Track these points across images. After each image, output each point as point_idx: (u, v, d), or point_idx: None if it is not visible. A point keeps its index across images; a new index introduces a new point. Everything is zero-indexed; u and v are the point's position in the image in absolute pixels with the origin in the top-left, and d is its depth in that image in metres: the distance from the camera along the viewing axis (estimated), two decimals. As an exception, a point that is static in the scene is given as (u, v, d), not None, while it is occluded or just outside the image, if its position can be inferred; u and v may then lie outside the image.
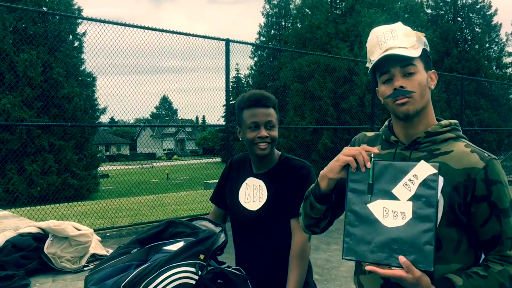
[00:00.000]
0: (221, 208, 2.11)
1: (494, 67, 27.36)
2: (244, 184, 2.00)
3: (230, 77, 8.70)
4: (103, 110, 21.57)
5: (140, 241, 1.65)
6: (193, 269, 1.44)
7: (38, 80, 17.15)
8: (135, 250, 1.60)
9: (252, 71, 33.84)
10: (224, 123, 9.49)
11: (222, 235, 1.62)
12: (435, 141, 1.40)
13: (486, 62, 26.58)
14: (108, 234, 7.01)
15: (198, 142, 48.23)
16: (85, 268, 1.96)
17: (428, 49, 1.44)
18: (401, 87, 1.37)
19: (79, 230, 1.98)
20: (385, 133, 1.52)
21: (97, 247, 2.12)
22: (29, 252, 1.86)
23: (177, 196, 10.86)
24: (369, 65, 1.45)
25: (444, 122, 1.44)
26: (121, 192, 12.30)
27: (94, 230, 7.11)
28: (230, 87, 8.87)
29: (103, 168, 20.11)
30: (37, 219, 7.81)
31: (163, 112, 77.25)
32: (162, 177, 20.76)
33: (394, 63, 1.38)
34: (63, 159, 17.69)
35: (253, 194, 1.95)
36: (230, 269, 1.61)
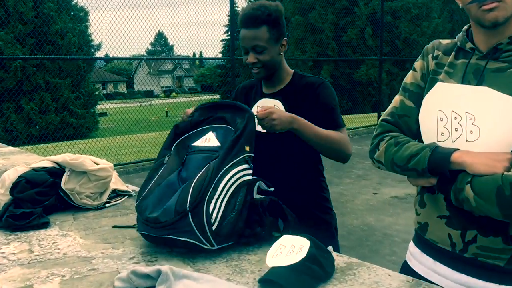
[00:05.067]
0: None
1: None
2: (254, 107, 1.84)
3: (228, 10, 8.27)
4: (98, 47, 21.07)
5: (167, 145, 1.49)
6: (245, 166, 1.36)
7: (29, 15, 16.55)
8: (167, 159, 1.43)
9: (250, 3, 32.58)
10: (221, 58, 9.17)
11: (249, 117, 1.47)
12: None
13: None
14: (115, 170, 6.89)
15: (196, 79, 47.50)
16: (106, 205, 1.81)
17: None
18: None
19: (97, 164, 1.81)
20: (461, 40, 1.28)
21: (117, 182, 1.96)
22: (45, 188, 1.69)
23: (180, 132, 10.69)
24: None
25: None
26: (121, 130, 12.13)
27: (101, 167, 7.03)
28: (228, 20, 8.48)
29: (101, 107, 19.91)
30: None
31: (158, 48, 75.56)
32: (161, 114, 20.55)
33: None
34: (60, 97, 17.45)
35: None
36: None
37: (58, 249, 1.38)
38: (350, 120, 11.49)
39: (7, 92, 15.70)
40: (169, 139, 1.49)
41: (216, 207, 1.27)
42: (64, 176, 1.73)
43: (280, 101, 1.79)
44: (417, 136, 1.30)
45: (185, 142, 1.47)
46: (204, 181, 1.26)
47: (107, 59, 16.88)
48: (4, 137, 15.20)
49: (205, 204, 1.25)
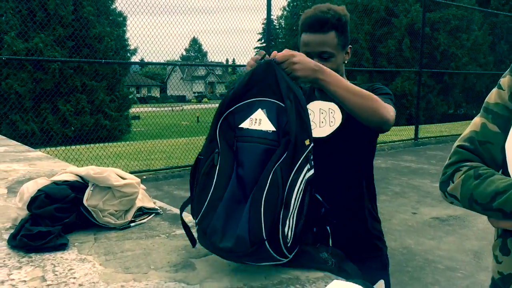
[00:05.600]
0: None
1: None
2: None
3: (262, 18, 8.14)
4: (134, 51, 21.33)
5: (212, 135, 1.25)
6: (308, 165, 1.19)
7: (69, 18, 16.91)
8: (217, 157, 1.22)
9: (285, 12, 32.61)
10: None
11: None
12: None
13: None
14: (144, 177, 6.81)
15: (228, 86, 47.65)
16: (131, 224, 1.65)
17: None
18: None
19: (124, 178, 1.65)
20: None
21: (144, 198, 1.80)
22: (66, 204, 1.54)
23: (211, 139, 10.60)
24: None
25: None
26: (153, 134, 12.15)
27: (130, 173, 6.95)
28: (262, 28, 8.37)
29: (134, 110, 20.12)
30: (72, 160, 7.69)
31: (192, 54, 76.33)
32: (192, 120, 20.59)
33: None
34: (96, 99, 17.72)
35: (319, 119, 1.62)
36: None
37: (74, 278, 1.22)
38: (385, 133, 11.16)
39: (45, 93, 16.02)
40: (214, 122, 1.26)
41: (290, 225, 1.15)
42: (87, 191, 1.58)
43: (337, 105, 1.60)
44: (501, 168, 1.08)
45: (230, 120, 1.24)
46: (276, 202, 1.11)
47: (141, 63, 17.06)
48: (40, 136, 15.49)
49: (280, 228, 1.12)
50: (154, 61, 10.36)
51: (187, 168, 7.65)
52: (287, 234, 1.14)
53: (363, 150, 1.62)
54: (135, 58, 21.92)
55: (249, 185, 1.16)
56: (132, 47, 20.82)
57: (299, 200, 1.16)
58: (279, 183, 1.11)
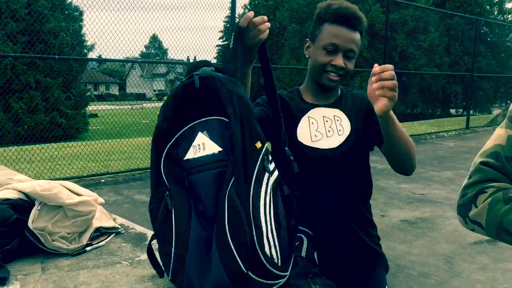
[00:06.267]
0: None
1: (495, 13, 26.59)
2: (305, 119, 1.50)
3: (224, 15, 7.99)
4: (91, 47, 20.70)
5: (157, 174, 1.11)
6: (268, 168, 1.03)
7: (22, 12, 16.12)
8: (169, 201, 1.07)
9: (246, 10, 32.49)
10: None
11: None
12: None
13: (488, 6, 25.61)
14: (103, 180, 6.45)
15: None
16: (87, 248, 1.41)
17: None
18: None
19: (78, 194, 1.41)
20: None
21: (102, 217, 1.56)
22: (6, 228, 1.29)
23: (172, 139, 10.33)
24: None
25: None
26: (111, 133, 11.76)
27: (88, 176, 6.60)
28: (224, 26, 8.21)
29: (91, 108, 19.57)
30: (24, 161, 7.23)
31: (152, 51, 75.10)
32: (153, 118, 20.13)
33: None
34: (51, 97, 17.02)
35: (324, 128, 1.49)
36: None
37: (14, 326, 0.99)
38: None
39: (-4, 90, 15.24)
40: (155, 162, 1.10)
41: (271, 243, 1.01)
42: (33, 212, 1.33)
43: (343, 111, 1.52)
44: None
45: (173, 155, 1.08)
46: (242, 227, 0.97)
47: (98, 60, 16.49)
48: (-9, 136, 14.69)
49: (259, 251, 0.99)
50: (112, 57, 9.96)
51: (149, 170, 7.35)
52: (271, 254, 1.01)
53: (366, 156, 1.55)
54: (92, 55, 21.25)
55: (213, 220, 1.02)
56: (89, 43, 20.24)
57: (271, 212, 1.02)
58: (237, 206, 0.98)
